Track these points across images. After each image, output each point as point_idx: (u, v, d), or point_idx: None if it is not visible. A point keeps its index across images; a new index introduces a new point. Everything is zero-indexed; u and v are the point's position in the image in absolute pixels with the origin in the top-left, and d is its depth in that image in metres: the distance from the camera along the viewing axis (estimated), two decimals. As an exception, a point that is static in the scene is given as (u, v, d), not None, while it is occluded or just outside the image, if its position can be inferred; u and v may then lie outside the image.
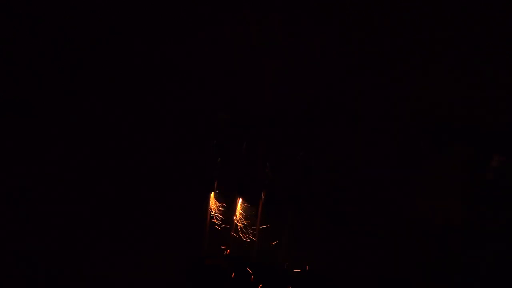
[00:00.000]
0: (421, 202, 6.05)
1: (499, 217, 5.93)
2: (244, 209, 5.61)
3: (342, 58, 6.83)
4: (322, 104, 6.66)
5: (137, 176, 6.14)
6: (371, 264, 5.79)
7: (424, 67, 6.57)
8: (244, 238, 5.57)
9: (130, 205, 5.95)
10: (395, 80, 6.60)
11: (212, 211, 5.55)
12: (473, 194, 6.01)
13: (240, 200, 5.59)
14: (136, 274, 5.79)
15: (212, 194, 5.53)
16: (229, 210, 5.57)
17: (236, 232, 5.55)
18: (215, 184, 5.55)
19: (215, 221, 5.56)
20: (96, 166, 6.39)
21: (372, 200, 6.00)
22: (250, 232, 5.59)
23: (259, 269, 5.44)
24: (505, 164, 5.95)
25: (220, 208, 5.58)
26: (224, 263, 5.38)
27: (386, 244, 5.81)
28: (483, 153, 6.07)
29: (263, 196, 5.65)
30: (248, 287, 5.40)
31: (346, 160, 6.16)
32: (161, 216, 5.71)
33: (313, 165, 6.04)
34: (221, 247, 5.47)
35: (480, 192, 5.98)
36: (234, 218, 5.52)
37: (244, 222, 5.60)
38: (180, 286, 5.47)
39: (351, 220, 5.94)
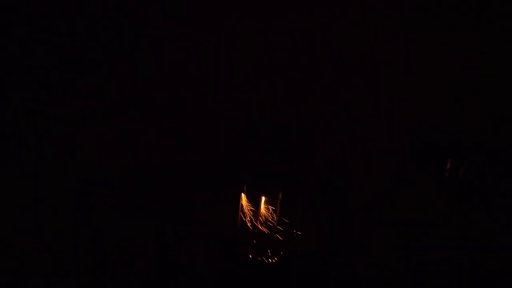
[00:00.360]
0: (408, 204, 6.85)
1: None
2: (267, 206, 6.91)
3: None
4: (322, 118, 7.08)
5: (184, 180, 6.75)
6: (369, 252, 6.65)
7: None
8: (267, 230, 6.80)
9: (179, 202, 6.71)
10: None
11: (244, 208, 6.80)
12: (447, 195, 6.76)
13: (264, 198, 7.00)
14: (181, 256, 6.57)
15: (243, 195, 6.87)
16: (256, 207, 6.85)
17: (261, 224, 6.81)
18: (245, 187, 6.86)
19: (248, 216, 6.79)
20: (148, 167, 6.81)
21: (365, 201, 6.84)
22: (271, 225, 6.87)
23: (278, 255, 6.64)
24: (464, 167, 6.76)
25: (249, 206, 6.85)
26: (252, 250, 6.65)
27: (377, 237, 6.70)
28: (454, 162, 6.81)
29: (280, 196, 6.87)
30: (269, 268, 6.68)
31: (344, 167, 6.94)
32: (205, 213, 6.65)
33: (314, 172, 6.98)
34: (250, 237, 6.75)
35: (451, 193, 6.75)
36: (259, 213, 6.90)
37: (266, 216, 6.98)
38: (217, 267, 6.56)
39: (349, 217, 6.83)
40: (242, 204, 6.75)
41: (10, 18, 6.60)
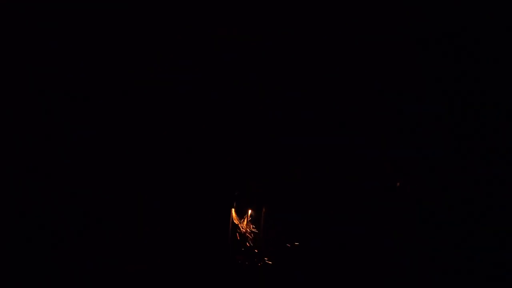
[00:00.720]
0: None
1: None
2: (253, 219, 7.90)
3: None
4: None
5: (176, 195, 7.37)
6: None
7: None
8: (252, 239, 7.81)
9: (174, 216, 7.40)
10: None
11: (235, 222, 7.78)
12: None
13: (250, 211, 8.00)
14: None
15: (233, 210, 7.86)
16: (244, 220, 7.87)
17: (249, 235, 7.82)
18: (234, 203, 7.82)
19: (240, 227, 7.81)
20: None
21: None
22: (257, 236, 7.85)
23: (262, 261, 7.71)
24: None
25: (239, 219, 7.85)
26: (242, 257, 7.72)
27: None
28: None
29: (263, 209, 7.85)
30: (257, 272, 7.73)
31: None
32: (197, 227, 7.58)
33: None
34: (240, 245, 7.77)
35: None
36: (246, 225, 8.06)
37: (253, 228, 7.90)
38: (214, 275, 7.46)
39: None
40: (232, 218, 7.89)
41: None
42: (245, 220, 7.91)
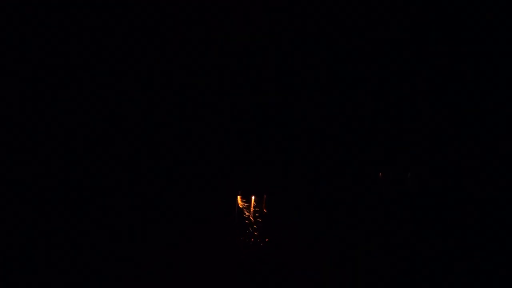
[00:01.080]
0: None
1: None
2: (256, 206, 8.75)
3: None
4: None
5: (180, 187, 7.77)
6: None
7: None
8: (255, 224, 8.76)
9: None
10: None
11: (240, 207, 8.63)
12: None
13: (253, 198, 8.86)
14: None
15: (239, 197, 8.79)
16: (248, 206, 8.73)
17: (253, 221, 8.70)
18: (239, 191, 8.66)
19: (245, 213, 8.67)
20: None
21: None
22: (259, 219, 8.78)
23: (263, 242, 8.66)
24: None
25: (244, 205, 8.74)
26: (247, 237, 8.61)
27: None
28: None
29: (265, 197, 8.71)
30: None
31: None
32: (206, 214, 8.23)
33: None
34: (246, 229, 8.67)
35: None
36: (250, 211, 8.92)
37: (256, 214, 8.80)
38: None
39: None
40: (238, 204, 8.77)
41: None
42: (249, 206, 8.80)
